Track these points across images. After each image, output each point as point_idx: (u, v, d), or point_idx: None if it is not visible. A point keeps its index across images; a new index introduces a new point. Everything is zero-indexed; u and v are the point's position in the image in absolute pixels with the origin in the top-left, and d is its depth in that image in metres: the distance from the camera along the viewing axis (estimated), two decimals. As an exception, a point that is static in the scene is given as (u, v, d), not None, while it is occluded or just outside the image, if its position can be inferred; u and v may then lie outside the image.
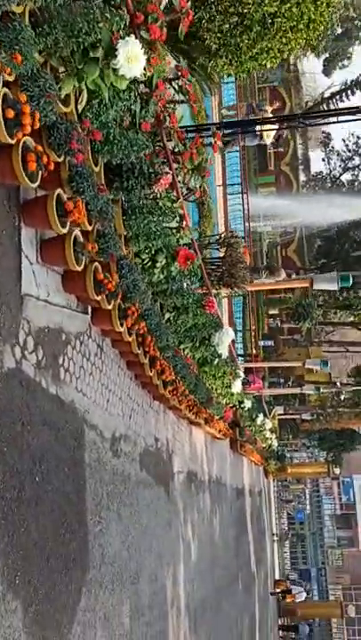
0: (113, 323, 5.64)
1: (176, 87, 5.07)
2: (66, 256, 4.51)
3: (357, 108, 6.28)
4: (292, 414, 32.32)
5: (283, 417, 31.20)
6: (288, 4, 5.00)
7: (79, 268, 4.70)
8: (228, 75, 5.85)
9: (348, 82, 38.33)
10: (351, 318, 36.69)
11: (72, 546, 4.86)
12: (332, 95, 40.28)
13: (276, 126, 16.56)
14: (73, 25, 3.89)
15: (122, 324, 5.77)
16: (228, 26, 5.09)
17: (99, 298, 5.13)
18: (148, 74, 4.59)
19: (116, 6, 4.10)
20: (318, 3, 5.16)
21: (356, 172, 47.68)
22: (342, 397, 28.37)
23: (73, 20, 3.90)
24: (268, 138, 17.38)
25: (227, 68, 5.59)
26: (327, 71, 46.62)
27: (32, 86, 3.78)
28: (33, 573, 4.10)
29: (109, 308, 5.43)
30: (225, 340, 8.27)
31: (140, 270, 6.30)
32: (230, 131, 19.69)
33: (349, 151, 47.22)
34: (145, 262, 6.32)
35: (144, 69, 4.57)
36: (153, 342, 6.71)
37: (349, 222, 32.49)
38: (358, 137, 46.77)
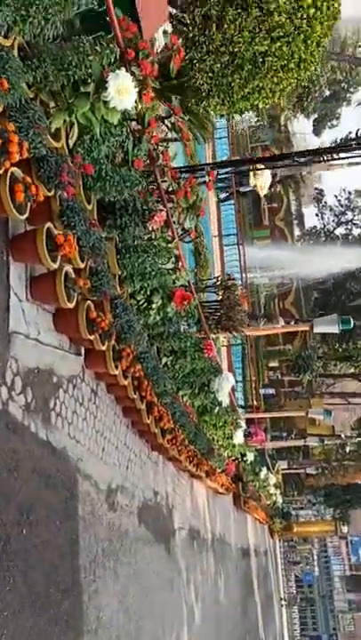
0: (107, 365, 5.42)
1: (169, 125, 5.05)
2: (56, 292, 4.34)
3: (350, 145, 6.27)
4: (296, 469, 31.51)
5: (287, 471, 30.39)
6: (278, 43, 5.03)
7: (70, 305, 4.52)
8: (221, 115, 5.86)
9: (338, 140, 39.53)
10: (352, 370, 36.34)
11: (64, 606, 4.47)
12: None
13: (269, 175, 16.85)
14: (63, 58, 3.87)
15: (116, 367, 5.55)
16: (219, 65, 5.11)
17: (92, 337, 4.93)
18: (140, 108, 4.54)
19: (107, 42, 4.09)
20: (308, 42, 5.21)
21: (349, 227, 48.49)
22: (347, 449, 27.70)
23: (63, 54, 3.88)
24: (263, 190, 17.59)
25: (219, 109, 5.58)
26: (317, 131, 48.12)
27: (21, 117, 3.70)
28: (20, 636, 3.72)
29: (103, 348, 5.22)
30: (225, 386, 8.02)
31: (136, 311, 6.14)
32: (225, 175, 20.03)
33: (342, 206, 48.19)
34: (140, 303, 6.15)
35: (135, 103, 4.55)
36: (150, 387, 6.46)
37: (345, 273, 32.67)
38: (350, 192, 47.84)
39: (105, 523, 5.73)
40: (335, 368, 36.94)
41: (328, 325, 11.07)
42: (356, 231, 47.38)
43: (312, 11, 4.97)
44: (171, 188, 5.62)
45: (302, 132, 50.63)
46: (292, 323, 23.21)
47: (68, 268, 4.47)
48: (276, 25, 4.91)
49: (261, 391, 22.18)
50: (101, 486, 5.75)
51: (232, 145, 29.58)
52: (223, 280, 8.45)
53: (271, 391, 26.56)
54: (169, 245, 6.03)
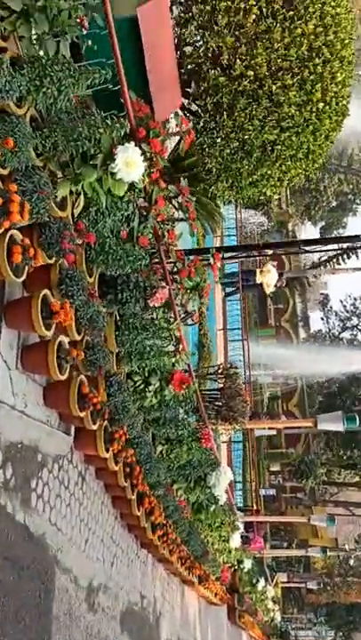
0: (97, 446, 5.10)
1: (176, 205, 5.06)
2: (48, 362, 4.14)
3: (357, 236, 6.31)
4: (296, 582, 29.54)
5: (286, 585, 28.45)
6: (288, 133, 5.15)
7: (62, 377, 4.30)
8: (229, 201, 5.91)
9: (344, 247, 40.70)
10: (356, 479, 35.09)
11: None
12: (330, 258, 42.53)
13: (275, 273, 17.01)
14: (73, 130, 3.91)
15: (107, 450, 5.22)
16: (228, 151, 5.20)
17: (82, 414, 4.66)
18: (148, 185, 4.56)
19: (118, 118, 4.17)
20: (317, 135, 5.33)
21: (354, 332, 48.77)
22: (351, 563, 26.08)
23: (74, 126, 3.92)
24: (269, 288, 17.71)
25: (227, 193, 5.64)
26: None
27: (25, 182, 3.68)
28: None
29: (94, 428, 4.92)
30: (222, 480, 7.57)
31: (132, 393, 5.89)
32: (231, 267, 20.28)
33: (347, 312, 48.75)
34: (137, 385, 5.91)
35: (143, 180, 4.57)
36: (142, 476, 6.07)
37: (350, 376, 32.35)
38: (355, 298, 48.59)
39: (82, 626, 5.16)
40: (339, 476, 35.74)
41: (333, 422, 10.65)
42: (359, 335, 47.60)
43: (321, 105, 5.11)
44: (175, 269, 5.56)
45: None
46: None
47: (63, 338, 4.30)
48: (286, 116, 5.03)
49: (261, 492, 21.22)
50: (82, 583, 5.23)
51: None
52: (225, 367, 8.23)
53: (272, 492, 25.46)
54: (170, 326, 5.88)
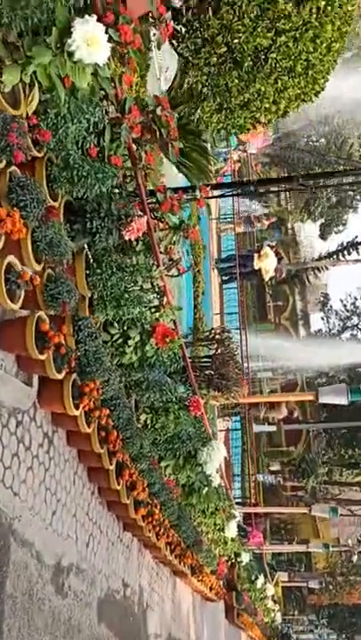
0: (64, 401, 4.38)
1: (157, 120, 4.34)
2: (-6, 285, 3.43)
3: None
4: (297, 582, 28.72)
5: (287, 584, 27.64)
6: (284, 38, 4.48)
7: (15, 306, 3.59)
8: (218, 130, 5.20)
9: (345, 243, 40.01)
10: (358, 478, 34.34)
11: None
12: (330, 254, 41.90)
13: (274, 257, 16.33)
14: (20, -2, 3.21)
15: (77, 406, 4.50)
16: (215, 59, 4.49)
17: (43, 357, 3.95)
18: (119, 88, 3.86)
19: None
20: (318, 42, 4.64)
21: (355, 332, 48.10)
22: (354, 560, 25.28)
23: (21, -6, 3.23)
24: (267, 274, 17.03)
25: (215, 117, 4.93)
26: (323, 235, 49.06)
27: None
28: None
29: (59, 377, 4.21)
30: (214, 457, 6.85)
31: (110, 347, 5.18)
32: (227, 257, 19.56)
33: (348, 311, 48.07)
34: (115, 338, 5.21)
35: (114, 84, 3.87)
36: (121, 443, 5.35)
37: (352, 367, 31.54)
38: (356, 298, 47.86)
39: (47, 609, 4.43)
40: (341, 477, 35.04)
41: (336, 395, 9.91)
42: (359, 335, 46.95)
43: (323, 3, 4.41)
44: (156, 202, 4.84)
45: (309, 235, 51.73)
46: (295, 416, 21.92)
47: (14, 259, 3.59)
48: (282, 15, 4.33)
49: (260, 477, 20.47)
50: (47, 560, 4.51)
51: (238, 243, 29.70)
52: (216, 331, 7.50)
53: (271, 479, 24.71)
54: (152, 274, 5.17)
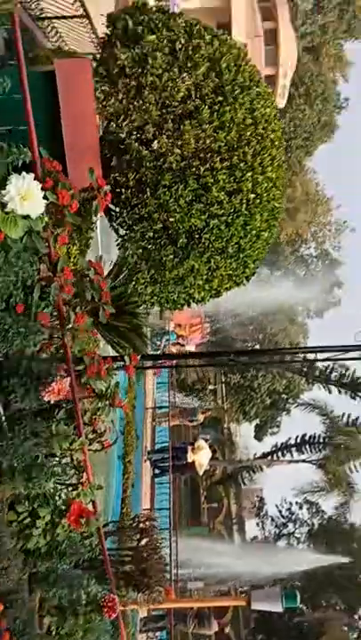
0: None
1: (89, 283, 4.31)
2: None
3: (292, 348, 5.63)
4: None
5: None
6: (216, 221, 4.72)
7: None
8: (151, 304, 5.22)
9: (279, 444, 40.23)
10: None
11: None
12: (264, 455, 41.74)
13: (208, 451, 15.92)
14: None
15: None
16: (151, 234, 4.67)
17: None
18: (54, 249, 3.86)
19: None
20: (248, 229, 4.93)
21: (290, 541, 46.16)
22: None
23: None
24: (201, 467, 16.50)
25: (149, 289, 4.98)
26: (258, 436, 49.44)
27: None
28: None
29: None
30: None
31: (15, 530, 4.52)
32: (160, 448, 18.87)
33: (283, 517, 46.55)
34: (22, 518, 4.57)
35: (47, 244, 3.88)
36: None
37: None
38: (291, 503, 46.74)
39: None
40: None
41: (269, 601, 8.62)
42: (295, 543, 45.07)
43: (252, 196, 4.77)
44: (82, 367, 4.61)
45: (244, 434, 52.00)
46: (226, 631, 19.63)
47: None
48: (215, 201, 4.63)
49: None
50: None
51: (172, 435, 29.33)
52: (140, 519, 6.74)
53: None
54: (72, 446, 4.75)
